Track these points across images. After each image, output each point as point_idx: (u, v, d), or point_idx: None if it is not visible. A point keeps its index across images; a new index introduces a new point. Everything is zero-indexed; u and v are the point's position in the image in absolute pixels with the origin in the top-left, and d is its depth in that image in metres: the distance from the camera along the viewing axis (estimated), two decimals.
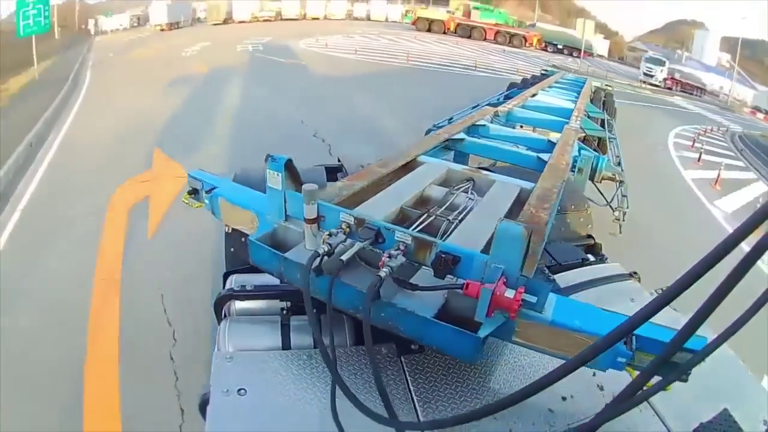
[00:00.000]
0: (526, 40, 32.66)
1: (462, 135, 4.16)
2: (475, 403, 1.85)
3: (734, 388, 1.82)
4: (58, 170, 8.74)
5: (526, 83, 9.47)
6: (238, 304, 2.31)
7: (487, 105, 6.69)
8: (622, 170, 5.35)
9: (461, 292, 1.58)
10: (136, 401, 3.87)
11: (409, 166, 2.99)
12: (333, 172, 3.77)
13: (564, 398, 1.83)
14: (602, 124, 7.02)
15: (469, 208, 2.51)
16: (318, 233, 1.90)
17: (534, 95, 7.43)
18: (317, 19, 39.15)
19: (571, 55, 31.94)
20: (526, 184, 2.95)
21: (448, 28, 34.26)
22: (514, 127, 5.96)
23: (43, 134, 10.78)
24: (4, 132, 9.89)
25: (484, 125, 4.77)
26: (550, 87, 8.76)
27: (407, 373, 1.94)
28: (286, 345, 2.06)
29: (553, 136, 5.00)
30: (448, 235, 2.14)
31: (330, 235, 1.77)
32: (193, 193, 2.54)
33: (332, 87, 16.06)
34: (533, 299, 1.56)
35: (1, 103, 12.67)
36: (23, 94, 13.86)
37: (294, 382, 1.82)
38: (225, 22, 36.13)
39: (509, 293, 1.51)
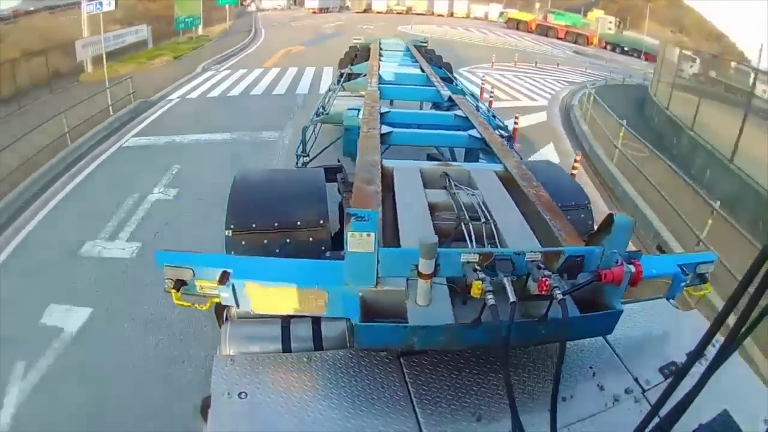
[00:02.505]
0: (588, 40, 40.35)
1: (387, 128, 4.17)
2: (475, 403, 1.86)
3: (734, 388, 1.72)
4: (259, 50, 25.27)
5: (350, 55, 10.11)
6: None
7: (337, 86, 7.05)
8: (504, 124, 5.67)
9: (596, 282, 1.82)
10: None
11: (385, 176, 3.04)
12: (332, 173, 3.77)
13: (564, 398, 1.85)
14: (448, 80, 7.48)
15: (481, 204, 2.70)
16: (431, 285, 1.83)
17: (377, 68, 7.44)
18: (441, 15, 48.77)
19: (639, 57, 37.32)
20: (495, 166, 3.31)
21: (531, 28, 42.07)
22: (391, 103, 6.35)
23: (247, 45, 26.99)
24: (223, 43, 26.74)
25: (388, 111, 4.78)
26: (381, 56, 9.03)
27: (406, 374, 1.94)
28: (286, 348, 2.08)
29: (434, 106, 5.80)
30: (497, 238, 2.40)
31: (482, 281, 1.71)
32: (180, 285, 1.91)
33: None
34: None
35: (212, 38, 29.33)
36: (221, 36, 30.33)
37: (294, 385, 1.85)
38: (365, 11, 48.23)
39: (632, 268, 1.85)
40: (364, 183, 2.80)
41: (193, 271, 1.91)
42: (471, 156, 4.58)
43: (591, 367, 2.07)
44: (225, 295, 1.92)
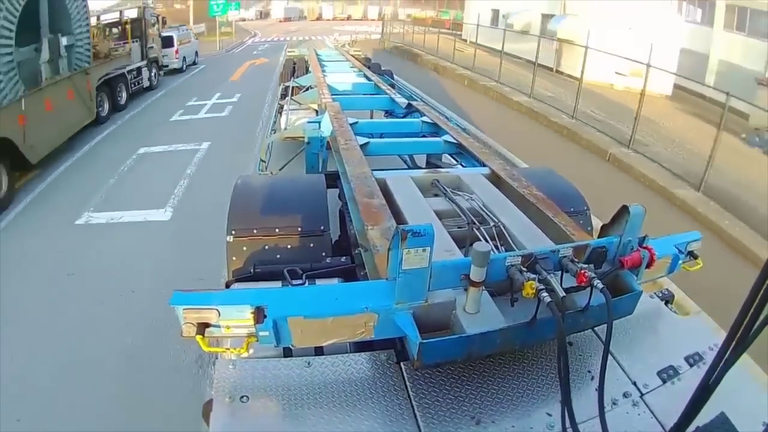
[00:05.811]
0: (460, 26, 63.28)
1: (363, 139, 4.29)
2: (476, 409, 1.91)
3: (733, 389, 1.65)
4: (264, 35, 55.59)
5: (289, 68, 10.53)
6: None
7: (286, 101, 7.20)
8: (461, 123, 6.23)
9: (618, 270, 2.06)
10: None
11: (382, 187, 3.12)
12: (333, 179, 3.87)
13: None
14: (392, 87, 8.21)
15: (482, 207, 2.88)
16: (481, 292, 1.93)
17: (324, 79, 7.61)
18: (374, 19, 65.49)
19: None
20: (480, 170, 3.52)
21: (428, 23, 65.26)
22: None
23: (257, 35, 56.80)
24: (242, 34, 56.88)
25: (356, 122, 4.95)
26: (323, 67, 9.30)
27: (407, 380, 2.00)
28: (287, 352, 2.17)
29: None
30: (510, 238, 2.58)
31: (534, 280, 1.83)
32: (204, 328, 1.81)
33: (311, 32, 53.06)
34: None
35: (229, 36, 55.26)
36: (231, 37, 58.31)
37: (295, 389, 1.91)
38: (317, 18, 72.20)
39: (647, 253, 2.11)
40: (366, 197, 2.86)
41: (218, 312, 1.80)
42: (433, 161, 5.04)
43: (589, 371, 2.13)
44: (264, 334, 1.87)
